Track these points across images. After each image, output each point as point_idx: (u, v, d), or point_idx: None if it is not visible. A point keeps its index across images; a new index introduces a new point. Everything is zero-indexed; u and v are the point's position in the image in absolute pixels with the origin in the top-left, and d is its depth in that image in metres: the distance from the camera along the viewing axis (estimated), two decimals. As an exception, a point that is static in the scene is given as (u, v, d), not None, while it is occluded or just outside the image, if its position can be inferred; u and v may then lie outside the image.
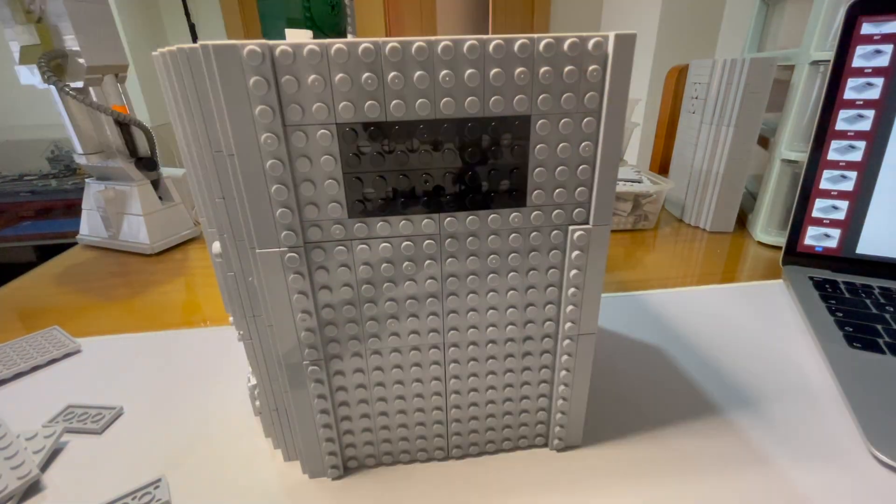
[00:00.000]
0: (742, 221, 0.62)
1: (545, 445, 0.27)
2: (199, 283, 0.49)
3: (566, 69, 0.18)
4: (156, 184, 0.57)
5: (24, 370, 0.34)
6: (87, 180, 0.57)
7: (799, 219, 0.46)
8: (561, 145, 0.19)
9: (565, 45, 0.17)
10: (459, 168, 0.19)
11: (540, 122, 0.19)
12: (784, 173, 0.53)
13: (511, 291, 0.22)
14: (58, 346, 0.37)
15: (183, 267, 0.53)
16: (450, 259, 0.21)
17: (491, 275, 0.21)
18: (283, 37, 0.23)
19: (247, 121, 0.17)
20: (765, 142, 0.58)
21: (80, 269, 0.53)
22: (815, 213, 0.45)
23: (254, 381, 0.27)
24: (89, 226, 0.58)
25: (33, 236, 1.35)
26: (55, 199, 1.40)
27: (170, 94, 0.20)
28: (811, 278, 0.43)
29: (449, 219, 0.20)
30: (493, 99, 0.18)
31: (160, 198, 0.57)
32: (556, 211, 0.21)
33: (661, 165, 0.80)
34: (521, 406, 0.25)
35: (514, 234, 0.21)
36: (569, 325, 0.23)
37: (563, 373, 0.24)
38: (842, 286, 0.42)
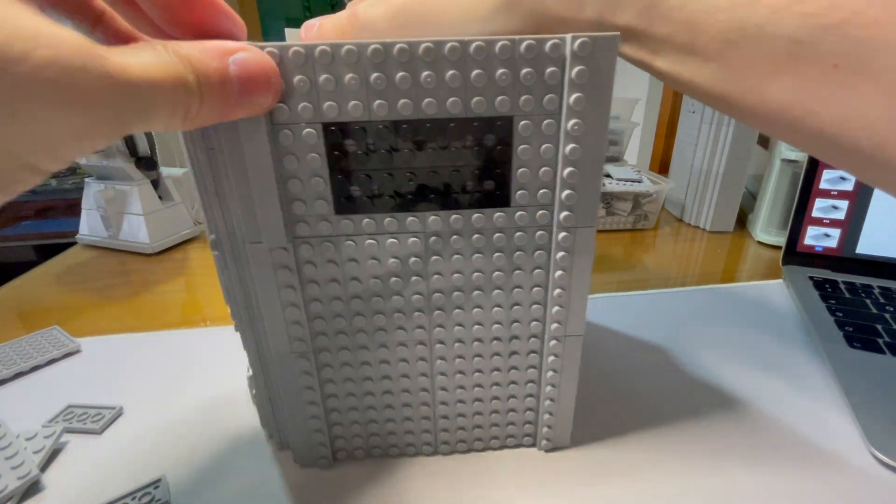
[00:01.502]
0: (742, 221, 0.61)
1: (533, 445, 0.27)
2: (199, 282, 0.49)
3: (548, 70, 0.18)
4: (156, 183, 0.58)
5: (24, 370, 0.35)
6: (86, 180, 0.58)
7: (799, 219, 0.46)
8: (543, 146, 0.19)
9: (546, 47, 0.18)
10: (443, 167, 0.19)
11: (522, 122, 0.19)
12: (784, 173, 0.53)
13: (496, 291, 0.22)
14: (58, 346, 0.37)
15: (183, 266, 0.53)
16: (434, 257, 0.21)
17: (476, 273, 0.22)
18: (283, 36, 0.23)
19: (235, 120, 0.17)
20: (765, 142, 0.57)
21: (80, 268, 0.54)
22: (815, 213, 0.45)
23: (251, 372, 0.27)
24: (89, 225, 0.58)
25: (33, 236, 1.35)
26: (55, 199, 1.41)
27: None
28: (811, 278, 0.43)
29: (433, 217, 0.20)
30: (474, 100, 0.18)
31: (160, 197, 0.58)
32: (541, 212, 0.21)
33: (661, 165, 0.79)
34: (508, 405, 0.25)
35: (498, 234, 0.21)
36: (555, 325, 0.23)
37: (550, 373, 0.24)
38: (842, 286, 0.41)
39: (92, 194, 0.57)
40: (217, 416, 0.30)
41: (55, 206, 1.40)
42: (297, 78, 0.17)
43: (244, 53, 0.16)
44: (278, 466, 0.26)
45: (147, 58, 0.13)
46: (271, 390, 0.25)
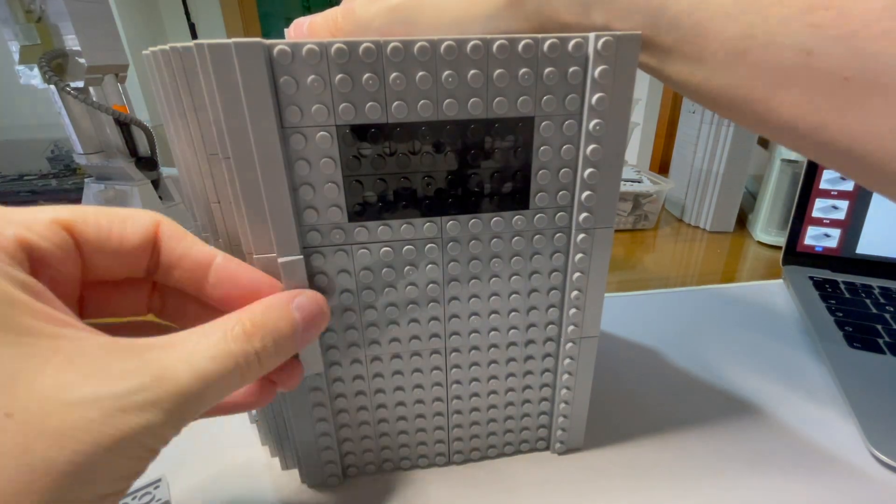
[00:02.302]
0: (742, 221, 0.62)
1: (547, 448, 0.27)
2: (199, 283, 0.49)
3: (570, 70, 0.18)
4: (156, 183, 0.57)
5: (25, 371, 0.34)
6: (86, 180, 0.57)
7: (799, 219, 0.46)
8: (564, 147, 0.19)
9: (570, 46, 0.17)
10: (462, 170, 0.19)
11: (543, 123, 0.19)
12: (784, 173, 0.53)
13: (513, 295, 0.22)
14: (58, 347, 0.37)
15: (183, 267, 0.52)
16: (452, 262, 0.21)
17: (493, 278, 0.21)
18: (282, 36, 0.22)
19: (243, 123, 0.17)
20: (765, 142, 0.58)
21: (79, 269, 0.53)
22: (815, 213, 0.45)
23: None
24: (89, 226, 0.58)
25: (33, 236, 1.35)
26: (55, 199, 1.40)
27: (161, 94, 0.19)
28: (811, 278, 0.43)
29: (451, 222, 0.20)
30: (496, 100, 0.18)
31: (160, 197, 0.57)
32: (560, 213, 0.20)
33: (661, 165, 0.80)
34: (522, 410, 0.25)
35: (516, 237, 0.21)
36: (571, 328, 0.23)
37: (566, 376, 0.24)
38: (842, 286, 0.42)
39: (92, 194, 0.56)
40: (217, 416, 0.30)
41: (55, 206, 1.39)
42: (310, 78, 0.17)
43: (301, 297, 0.17)
44: (283, 483, 0.25)
45: (206, 360, 0.14)
46: (275, 410, 0.24)
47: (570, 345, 0.23)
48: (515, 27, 0.19)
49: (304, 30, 0.23)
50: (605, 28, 0.18)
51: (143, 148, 0.55)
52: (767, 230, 0.56)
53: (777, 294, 0.43)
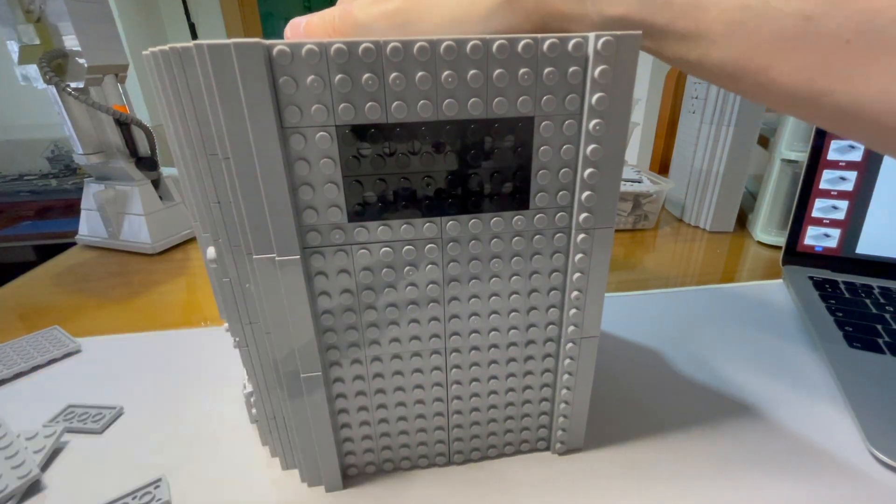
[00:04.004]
0: (742, 221, 0.62)
1: (547, 449, 0.27)
2: (199, 282, 0.49)
3: (570, 70, 0.18)
4: (156, 183, 0.57)
5: (25, 370, 0.34)
6: (86, 180, 0.57)
7: (799, 219, 0.46)
8: (564, 147, 0.19)
9: (569, 46, 0.17)
10: (461, 170, 0.19)
11: (543, 123, 0.19)
12: (784, 173, 0.53)
13: (513, 295, 0.22)
14: (58, 346, 0.37)
15: (183, 266, 0.53)
16: (451, 263, 0.21)
17: (493, 278, 0.21)
18: (283, 36, 0.22)
19: (242, 124, 0.17)
20: (765, 142, 0.58)
21: (80, 269, 0.53)
22: (815, 213, 0.45)
23: (250, 388, 0.26)
24: (89, 226, 0.58)
25: (33, 236, 1.35)
26: (55, 199, 1.40)
27: (161, 94, 0.19)
28: (811, 278, 0.43)
29: (451, 222, 0.20)
30: (496, 100, 0.18)
31: (161, 197, 0.57)
32: (560, 213, 0.20)
33: (661, 165, 0.80)
34: (523, 410, 0.25)
35: (516, 237, 0.21)
36: (571, 328, 0.23)
37: (566, 376, 0.24)
38: (842, 286, 0.42)
39: (92, 194, 0.56)
40: (217, 416, 0.30)
41: (55, 207, 1.39)
42: (310, 78, 0.17)
43: None
44: (283, 482, 0.25)
45: None
46: (276, 408, 0.24)
47: (570, 345, 0.23)
48: (514, 24, 0.19)
49: (301, 30, 0.23)
50: (600, 15, 0.18)
51: (143, 148, 0.56)
52: (767, 230, 0.56)
53: (777, 294, 0.43)
